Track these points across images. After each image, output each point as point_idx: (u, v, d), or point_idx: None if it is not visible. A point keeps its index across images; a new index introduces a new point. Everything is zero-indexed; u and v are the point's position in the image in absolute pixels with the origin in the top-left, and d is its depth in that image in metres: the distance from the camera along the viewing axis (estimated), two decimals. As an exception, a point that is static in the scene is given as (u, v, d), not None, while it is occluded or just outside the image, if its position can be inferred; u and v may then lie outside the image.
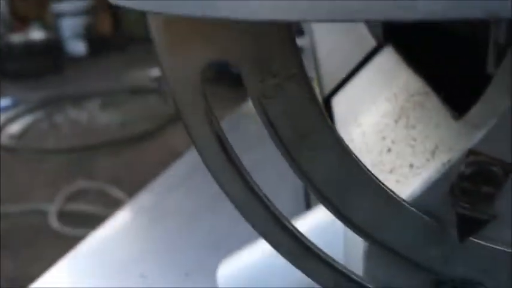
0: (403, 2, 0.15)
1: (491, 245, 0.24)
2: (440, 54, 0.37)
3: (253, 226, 0.25)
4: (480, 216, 0.24)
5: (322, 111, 0.23)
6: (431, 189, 0.25)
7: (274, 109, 0.23)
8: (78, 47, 4.49)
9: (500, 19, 0.14)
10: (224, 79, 3.36)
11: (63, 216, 2.25)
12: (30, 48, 4.11)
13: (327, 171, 0.23)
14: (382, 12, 0.15)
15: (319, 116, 0.23)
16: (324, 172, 0.23)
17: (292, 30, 0.22)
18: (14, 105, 3.46)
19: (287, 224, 0.25)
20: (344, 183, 0.24)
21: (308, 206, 0.56)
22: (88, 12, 4.56)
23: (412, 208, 0.24)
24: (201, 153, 0.24)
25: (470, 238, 0.24)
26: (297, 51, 0.22)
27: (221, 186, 0.24)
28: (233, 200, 0.24)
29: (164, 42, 0.22)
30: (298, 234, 0.25)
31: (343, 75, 0.43)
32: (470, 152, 0.24)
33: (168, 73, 0.23)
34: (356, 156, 0.24)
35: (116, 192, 2.33)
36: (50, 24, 4.59)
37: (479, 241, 0.24)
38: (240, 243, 0.43)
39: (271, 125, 0.23)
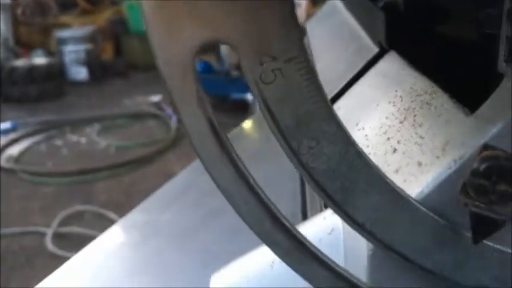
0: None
1: (505, 249, 0.22)
2: (444, 57, 0.35)
3: (246, 221, 0.23)
4: (496, 217, 0.22)
5: (325, 97, 0.21)
6: (442, 187, 0.23)
7: (273, 94, 0.21)
8: (80, 73, 4.51)
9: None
10: (224, 106, 3.36)
11: (59, 238, 2.22)
12: (33, 73, 4.13)
13: (329, 163, 0.22)
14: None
15: (321, 102, 0.21)
16: (325, 164, 0.22)
17: (293, 8, 0.20)
18: (14, 128, 3.45)
19: (283, 220, 0.23)
20: (348, 177, 0.22)
21: (305, 218, 0.54)
22: (90, 39, 4.59)
23: (422, 207, 0.22)
24: (192, 140, 0.22)
25: (483, 240, 0.22)
26: (299, 31, 0.21)
27: (213, 176, 0.22)
28: (225, 192, 0.22)
29: (156, 22, 0.21)
30: (295, 233, 0.23)
31: (344, 82, 0.41)
32: (485, 147, 0.22)
33: (160, 54, 0.21)
34: (360, 148, 0.22)
35: (113, 216, 2.30)
36: (53, 51, 4.62)
37: (494, 244, 0.22)
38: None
39: (269, 112, 0.21)
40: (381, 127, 0.30)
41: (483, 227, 0.22)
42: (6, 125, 3.45)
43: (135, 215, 0.72)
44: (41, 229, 2.28)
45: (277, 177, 0.64)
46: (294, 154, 0.22)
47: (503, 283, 0.23)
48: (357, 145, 0.22)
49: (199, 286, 0.44)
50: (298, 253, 0.24)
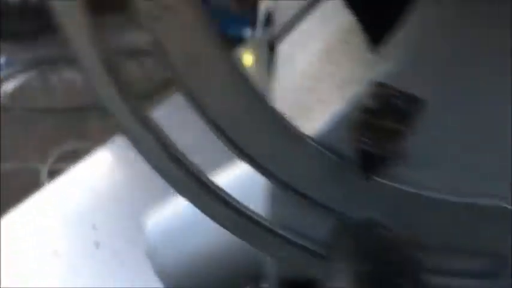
0: None
1: (394, 185, 0.23)
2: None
3: (146, 159, 0.23)
4: (383, 153, 0.22)
5: (214, 36, 0.21)
6: (337, 124, 0.23)
7: (164, 32, 0.21)
8: (75, 7, 4.43)
9: None
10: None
11: (54, 175, 2.25)
12: (26, 7, 4.06)
13: (221, 101, 0.22)
14: None
15: (211, 40, 0.21)
16: (218, 103, 0.22)
17: None
18: (8, 64, 3.42)
19: (181, 158, 0.23)
20: (241, 115, 0.22)
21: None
22: (85, -29, 4.48)
23: (314, 143, 0.23)
24: (89, 80, 0.22)
25: (373, 177, 0.23)
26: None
27: (113, 115, 0.22)
28: (125, 132, 0.23)
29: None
30: (193, 170, 0.23)
31: (288, 19, 0.41)
32: (378, 85, 0.22)
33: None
34: (254, 86, 0.22)
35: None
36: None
37: (382, 180, 0.23)
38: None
39: (160, 50, 0.21)
40: (304, 66, 0.31)
41: (372, 164, 0.23)
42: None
43: (106, 148, 0.73)
44: (36, 166, 2.31)
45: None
46: (187, 91, 0.22)
47: (393, 218, 0.24)
48: (251, 83, 0.22)
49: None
50: (200, 191, 0.24)
